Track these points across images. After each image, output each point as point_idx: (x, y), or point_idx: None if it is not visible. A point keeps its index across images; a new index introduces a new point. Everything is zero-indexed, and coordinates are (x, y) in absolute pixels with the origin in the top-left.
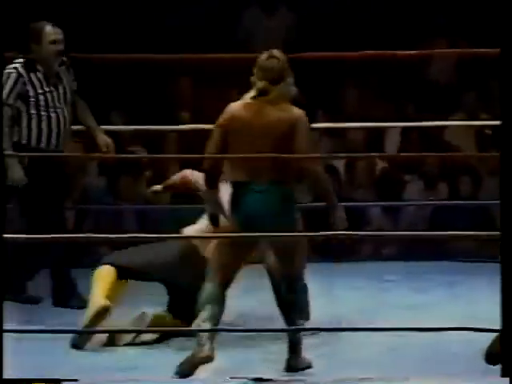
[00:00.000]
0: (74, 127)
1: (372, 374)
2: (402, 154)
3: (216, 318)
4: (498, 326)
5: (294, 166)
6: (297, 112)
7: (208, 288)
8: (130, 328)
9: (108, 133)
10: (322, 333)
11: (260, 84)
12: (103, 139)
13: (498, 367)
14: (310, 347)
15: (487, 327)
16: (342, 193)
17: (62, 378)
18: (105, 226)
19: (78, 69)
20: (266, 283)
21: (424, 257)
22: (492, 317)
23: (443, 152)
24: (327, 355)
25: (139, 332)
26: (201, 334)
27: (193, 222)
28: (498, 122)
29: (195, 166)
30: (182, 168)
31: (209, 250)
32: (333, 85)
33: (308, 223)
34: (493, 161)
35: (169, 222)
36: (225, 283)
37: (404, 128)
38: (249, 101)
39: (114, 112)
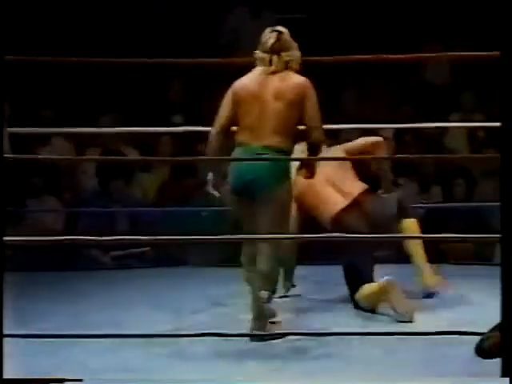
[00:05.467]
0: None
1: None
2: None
3: None
4: None
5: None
6: (302, 79)
7: None
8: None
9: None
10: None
11: (261, 55)
12: None
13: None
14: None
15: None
16: None
17: (66, 378)
18: (97, 228)
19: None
20: None
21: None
22: None
23: (438, 154)
24: (333, 356)
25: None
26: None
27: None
28: (494, 124)
29: (188, 168)
30: (172, 169)
31: None
32: (331, 86)
33: None
34: (487, 162)
35: (161, 223)
36: None
37: (398, 130)
38: (254, 73)
39: (107, 115)
